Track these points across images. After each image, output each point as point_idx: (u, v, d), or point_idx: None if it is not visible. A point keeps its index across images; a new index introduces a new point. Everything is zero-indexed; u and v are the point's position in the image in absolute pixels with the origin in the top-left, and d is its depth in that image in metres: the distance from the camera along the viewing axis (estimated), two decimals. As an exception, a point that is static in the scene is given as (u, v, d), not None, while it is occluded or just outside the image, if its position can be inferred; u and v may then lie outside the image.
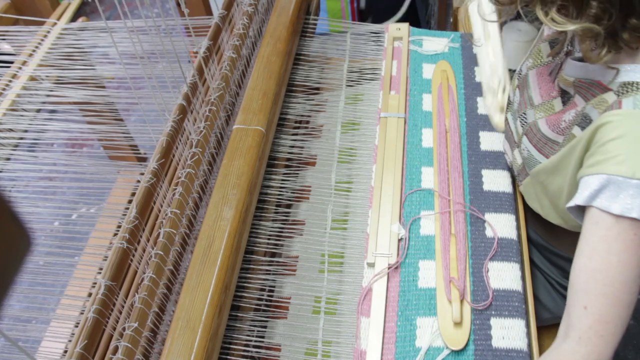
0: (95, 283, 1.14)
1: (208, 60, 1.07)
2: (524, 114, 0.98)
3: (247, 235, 0.95)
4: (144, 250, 0.88)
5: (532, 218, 1.09)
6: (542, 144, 0.91)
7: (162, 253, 0.81)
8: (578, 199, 0.77)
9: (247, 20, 1.16)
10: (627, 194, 0.72)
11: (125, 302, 0.85)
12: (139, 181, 1.32)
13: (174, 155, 0.96)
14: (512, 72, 1.18)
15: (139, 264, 0.88)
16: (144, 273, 0.82)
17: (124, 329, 0.77)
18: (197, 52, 1.08)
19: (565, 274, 1.09)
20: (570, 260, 1.06)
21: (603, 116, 0.76)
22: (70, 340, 1.18)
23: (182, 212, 0.88)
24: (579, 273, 0.77)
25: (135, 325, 0.77)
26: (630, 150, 0.73)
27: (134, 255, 0.84)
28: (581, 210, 0.79)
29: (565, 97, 0.91)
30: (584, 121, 0.81)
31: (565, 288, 1.09)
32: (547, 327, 1.19)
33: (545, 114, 0.92)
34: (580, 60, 0.85)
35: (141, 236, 0.86)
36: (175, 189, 0.90)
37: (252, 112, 1.04)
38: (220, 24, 1.13)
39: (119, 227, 0.87)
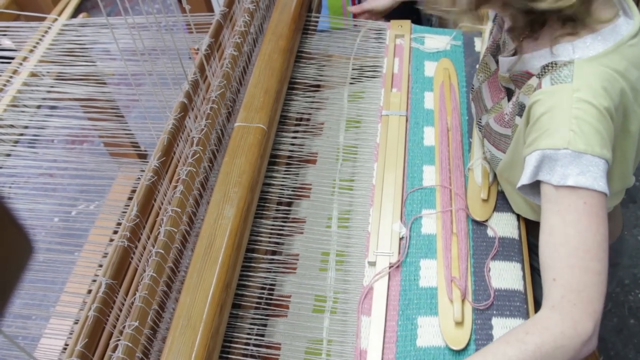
0: (95, 279, 1.14)
1: (209, 57, 1.06)
2: (480, 119, 1.05)
3: (248, 233, 0.95)
4: (144, 248, 0.88)
5: (529, 224, 1.09)
6: (497, 140, 0.97)
7: (162, 252, 0.81)
8: (523, 179, 0.81)
9: (249, 17, 1.16)
10: (560, 164, 0.76)
11: (125, 300, 0.85)
12: (139, 178, 1.31)
13: (174, 153, 0.96)
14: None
15: (139, 262, 0.87)
16: (145, 271, 0.81)
17: (124, 327, 0.77)
18: (198, 49, 1.08)
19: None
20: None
21: (530, 98, 0.82)
22: (70, 337, 1.18)
23: (182, 210, 0.87)
24: (543, 250, 0.79)
25: (136, 324, 0.77)
26: (555, 122, 0.77)
27: (134, 253, 0.84)
28: (534, 190, 0.83)
29: (510, 95, 0.97)
30: (521, 109, 0.88)
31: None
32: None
33: (495, 113, 0.99)
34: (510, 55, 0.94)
35: (141, 234, 0.86)
36: (176, 186, 0.90)
37: (253, 110, 1.03)
38: (221, 21, 1.12)
39: (119, 224, 0.87)
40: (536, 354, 0.75)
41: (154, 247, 0.83)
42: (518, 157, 0.90)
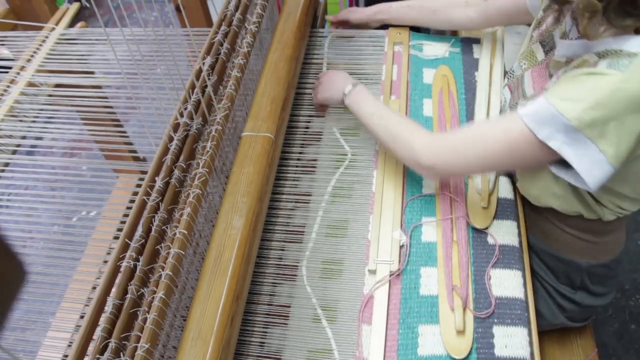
0: (95, 287, 1.13)
1: (217, 86, 1.05)
2: (516, 104, 1.05)
3: (257, 243, 0.93)
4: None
5: (530, 222, 1.09)
6: None
7: (171, 273, 0.79)
8: (528, 105, 0.83)
9: (251, 38, 1.14)
10: (556, 128, 0.79)
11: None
12: (139, 185, 1.31)
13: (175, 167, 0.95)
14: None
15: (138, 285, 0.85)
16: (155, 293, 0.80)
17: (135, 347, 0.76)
18: (196, 56, 1.07)
19: (561, 278, 1.09)
20: (566, 262, 1.06)
21: (582, 69, 0.81)
22: (69, 346, 1.17)
23: (190, 232, 0.86)
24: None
25: (147, 346, 0.75)
26: (584, 93, 0.78)
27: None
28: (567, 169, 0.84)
29: None
30: None
31: (561, 294, 1.10)
32: (546, 332, 1.19)
33: None
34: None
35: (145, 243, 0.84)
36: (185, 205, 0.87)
37: (260, 119, 1.03)
38: (221, 41, 1.11)
39: (119, 230, 0.85)
40: (389, 129, 1.00)
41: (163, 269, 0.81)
42: None
